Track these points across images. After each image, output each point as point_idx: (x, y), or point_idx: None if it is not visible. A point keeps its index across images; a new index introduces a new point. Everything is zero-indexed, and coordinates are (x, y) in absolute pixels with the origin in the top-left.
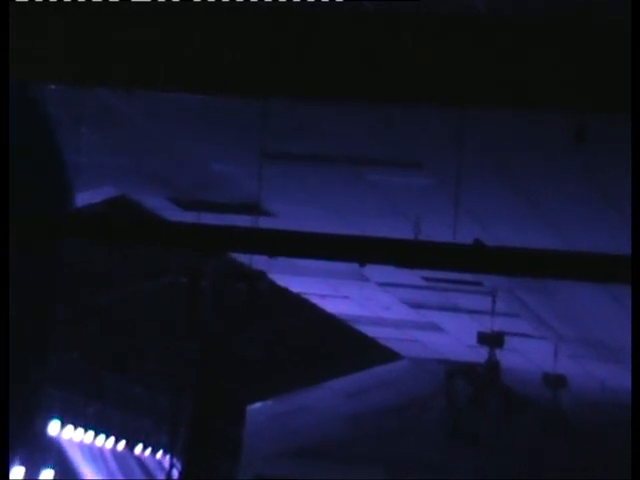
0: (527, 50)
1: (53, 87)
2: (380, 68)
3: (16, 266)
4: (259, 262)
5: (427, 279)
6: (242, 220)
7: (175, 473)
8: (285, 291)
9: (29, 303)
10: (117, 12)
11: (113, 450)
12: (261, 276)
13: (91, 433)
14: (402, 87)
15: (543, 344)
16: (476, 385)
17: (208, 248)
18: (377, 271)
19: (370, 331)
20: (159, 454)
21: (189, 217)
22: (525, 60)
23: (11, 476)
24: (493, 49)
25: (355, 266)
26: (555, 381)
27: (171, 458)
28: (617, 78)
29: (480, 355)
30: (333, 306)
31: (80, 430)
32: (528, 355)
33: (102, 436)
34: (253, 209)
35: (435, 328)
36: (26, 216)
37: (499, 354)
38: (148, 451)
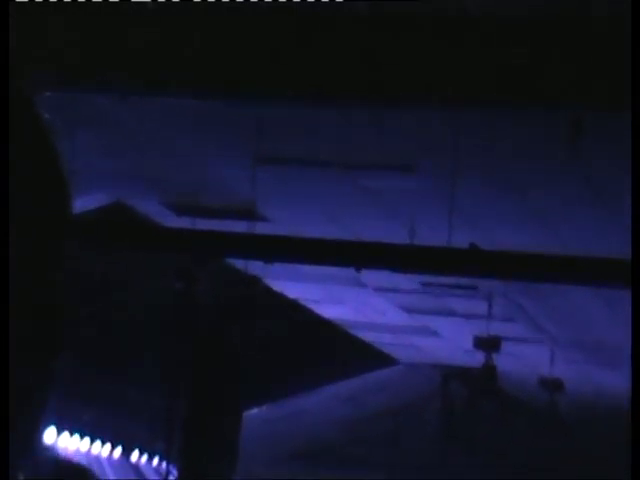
0: (524, 50)
1: (47, 93)
2: (375, 71)
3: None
4: (254, 267)
5: (423, 283)
6: (237, 225)
7: None
8: (281, 296)
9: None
10: (115, 13)
11: (109, 458)
12: (256, 281)
13: (87, 440)
14: (396, 90)
15: (539, 348)
16: (472, 389)
17: (203, 253)
18: (373, 276)
19: (366, 336)
20: (155, 461)
21: (184, 222)
22: (522, 61)
23: None
24: (490, 50)
25: (351, 271)
26: (551, 385)
27: (167, 465)
28: (616, 78)
29: (476, 359)
30: (329, 311)
31: (76, 437)
32: (524, 359)
33: (98, 442)
34: (248, 214)
35: (431, 332)
36: (21, 222)
37: (495, 358)
38: (144, 458)
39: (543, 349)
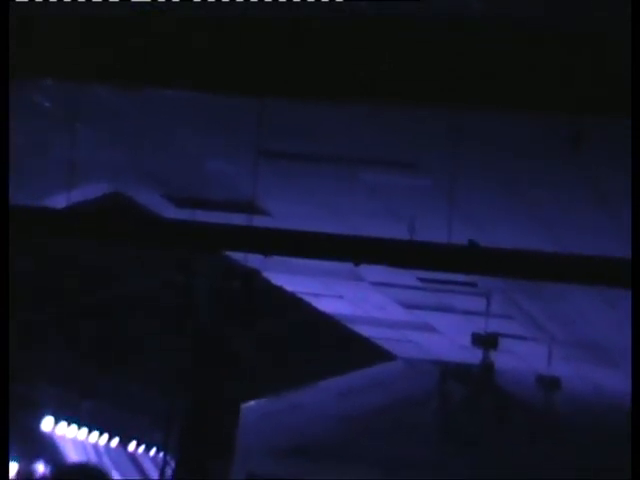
0: (525, 53)
1: (49, 82)
2: (377, 69)
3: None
4: (254, 261)
5: (422, 279)
6: (237, 218)
7: (168, 471)
8: (279, 290)
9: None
10: (116, 12)
11: (106, 447)
12: (255, 275)
13: (85, 430)
14: (398, 88)
15: (537, 346)
16: (470, 386)
17: (202, 246)
18: (372, 271)
19: (364, 331)
20: (152, 451)
21: (183, 214)
22: (523, 63)
23: None
24: (491, 52)
25: (350, 266)
26: (549, 383)
27: (164, 456)
28: (616, 82)
29: (474, 356)
30: (327, 305)
31: (74, 426)
32: (522, 357)
33: (95, 433)
34: (248, 207)
35: (429, 329)
36: (19, 214)
37: (493, 355)
38: (142, 448)
39: (541, 347)
